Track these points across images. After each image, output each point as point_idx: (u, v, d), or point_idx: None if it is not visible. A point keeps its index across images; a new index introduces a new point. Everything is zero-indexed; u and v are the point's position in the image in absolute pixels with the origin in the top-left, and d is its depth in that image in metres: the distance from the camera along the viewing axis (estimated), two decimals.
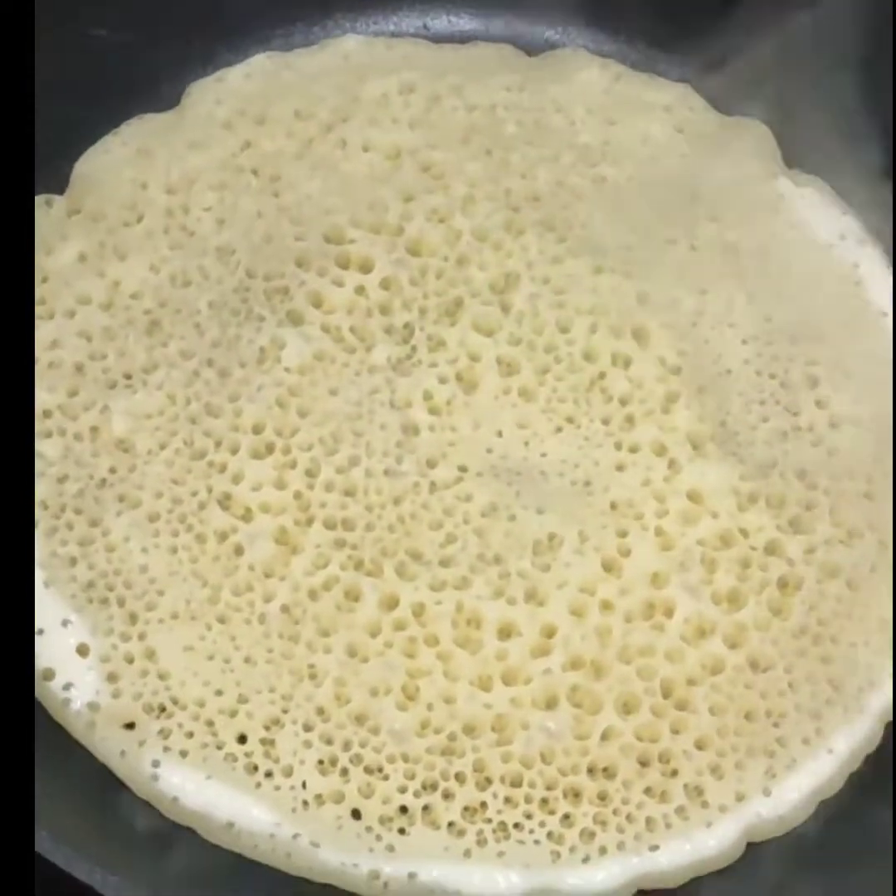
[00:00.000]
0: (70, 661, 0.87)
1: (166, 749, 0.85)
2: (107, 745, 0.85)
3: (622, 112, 1.07)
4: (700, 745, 0.86)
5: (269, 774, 0.85)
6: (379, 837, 0.84)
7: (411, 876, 0.83)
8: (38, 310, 0.96)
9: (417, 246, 1.00)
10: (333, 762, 0.85)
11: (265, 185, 1.02)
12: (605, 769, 0.85)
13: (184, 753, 0.85)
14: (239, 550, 0.90)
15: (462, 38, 1.12)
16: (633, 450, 0.94)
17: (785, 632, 0.90)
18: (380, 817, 0.84)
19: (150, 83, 1.05)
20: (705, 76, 1.10)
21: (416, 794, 0.84)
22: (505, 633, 0.88)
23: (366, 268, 0.99)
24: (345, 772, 0.85)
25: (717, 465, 0.93)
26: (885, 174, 1.03)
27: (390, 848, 0.83)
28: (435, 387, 0.95)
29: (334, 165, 1.03)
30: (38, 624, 0.87)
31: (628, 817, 0.85)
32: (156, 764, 0.85)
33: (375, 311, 0.97)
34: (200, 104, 1.05)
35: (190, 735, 0.85)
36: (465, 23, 1.15)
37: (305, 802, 0.84)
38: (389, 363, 0.96)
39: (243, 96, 1.06)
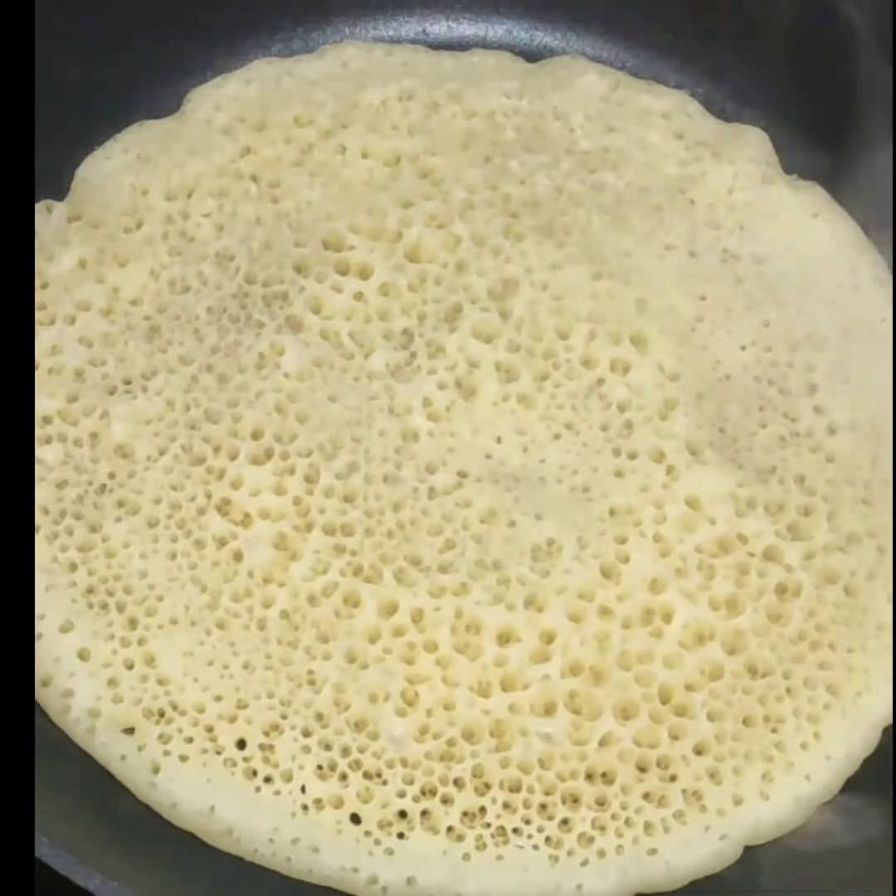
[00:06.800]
0: (70, 666, 0.87)
1: (166, 754, 0.85)
2: (107, 749, 0.85)
3: (621, 119, 1.07)
4: (698, 751, 0.87)
5: (268, 779, 0.85)
6: (378, 842, 0.84)
7: (410, 880, 0.83)
8: (38, 315, 0.96)
9: (416, 252, 1.00)
10: (332, 767, 0.85)
11: (264, 192, 1.02)
12: (603, 774, 0.86)
13: (183, 758, 0.85)
14: (238, 556, 0.90)
15: (461, 45, 1.12)
16: (632, 456, 0.94)
17: (783, 637, 0.90)
18: (379, 822, 0.84)
19: (151, 89, 1.06)
20: (704, 82, 1.10)
21: (415, 799, 0.85)
22: (504, 638, 0.88)
23: (365, 274, 0.99)
24: (344, 777, 0.85)
25: (716, 472, 0.93)
26: (883, 179, 1.03)
27: (389, 852, 0.84)
28: (434, 393, 0.95)
29: (334, 172, 1.03)
30: (38, 629, 0.87)
31: (627, 822, 0.85)
32: (155, 769, 0.85)
33: (374, 317, 0.97)
34: (200, 110, 1.05)
35: (189, 740, 0.85)
36: (464, 29, 1.15)
37: (305, 807, 0.84)
38: (388, 369, 0.96)
39: (243, 102, 1.06)
